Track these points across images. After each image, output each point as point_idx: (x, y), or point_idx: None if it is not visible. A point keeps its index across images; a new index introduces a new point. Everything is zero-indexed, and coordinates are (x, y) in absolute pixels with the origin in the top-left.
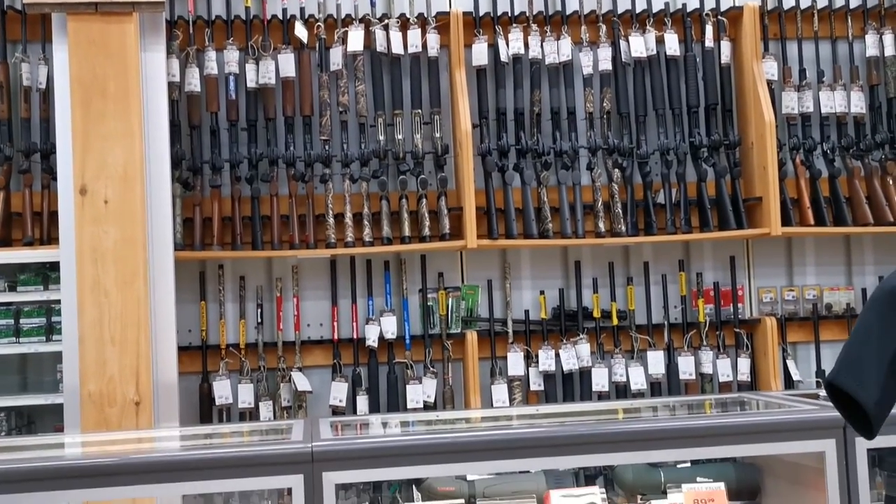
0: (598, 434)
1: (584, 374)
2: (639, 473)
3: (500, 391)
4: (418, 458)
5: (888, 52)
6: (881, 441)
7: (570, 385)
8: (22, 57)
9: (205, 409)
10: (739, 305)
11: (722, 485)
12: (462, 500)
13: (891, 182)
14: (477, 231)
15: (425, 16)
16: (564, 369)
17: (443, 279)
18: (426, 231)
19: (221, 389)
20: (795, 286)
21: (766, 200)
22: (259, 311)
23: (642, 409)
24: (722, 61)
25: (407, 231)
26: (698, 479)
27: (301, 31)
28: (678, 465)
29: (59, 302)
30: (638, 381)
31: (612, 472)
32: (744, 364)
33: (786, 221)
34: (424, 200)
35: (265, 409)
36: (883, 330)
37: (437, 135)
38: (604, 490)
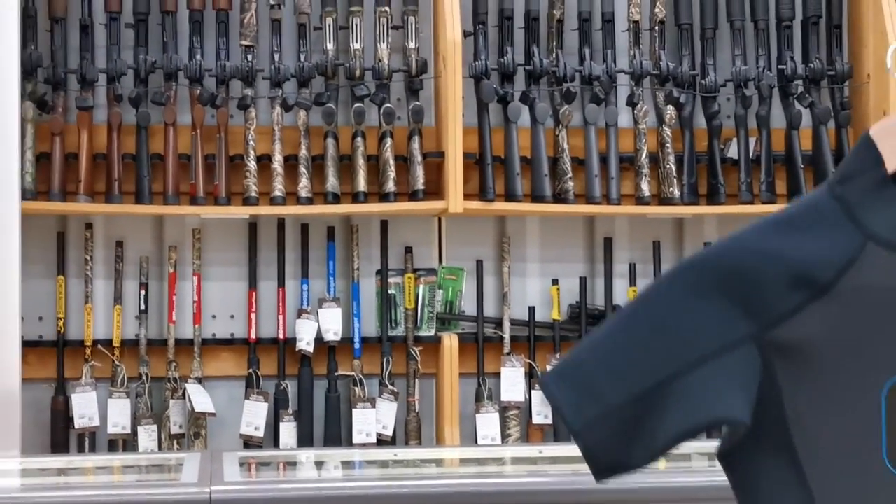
0: (627, 490)
1: None
2: None
3: (488, 422)
4: None
5: None
6: None
7: None
8: None
9: (59, 434)
10: None
11: None
12: None
13: None
14: (464, 189)
15: None
16: None
17: (412, 257)
18: (390, 186)
19: (84, 406)
20: None
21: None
22: (143, 293)
23: (693, 457)
24: None
25: (362, 185)
26: None
27: None
28: None
29: None
30: None
31: None
32: None
33: None
34: (389, 140)
35: (146, 436)
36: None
37: (412, 45)
38: None
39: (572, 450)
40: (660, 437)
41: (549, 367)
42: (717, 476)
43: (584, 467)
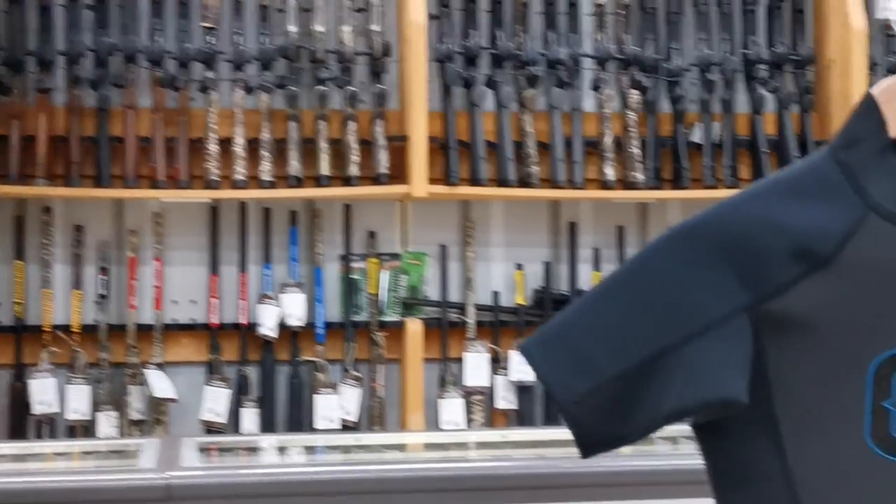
0: (590, 474)
1: None
2: None
3: (452, 408)
4: (328, 499)
5: None
6: None
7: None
8: None
9: (17, 420)
10: None
11: None
12: None
13: None
14: (428, 173)
15: None
16: None
17: (375, 242)
18: (353, 170)
19: (42, 391)
20: None
21: None
22: (103, 278)
23: (657, 441)
24: None
25: (325, 169)
26: None
27: None
28: None
29: None
30: None
31: None
32: None
33: None
34: (353, 124)
35: (106, 422)
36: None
37: (376, 28)
38: None
39: (536, 434)
40: (654, 413)
41: (514, 355)
42: (681, 460)
43: (549, 451)
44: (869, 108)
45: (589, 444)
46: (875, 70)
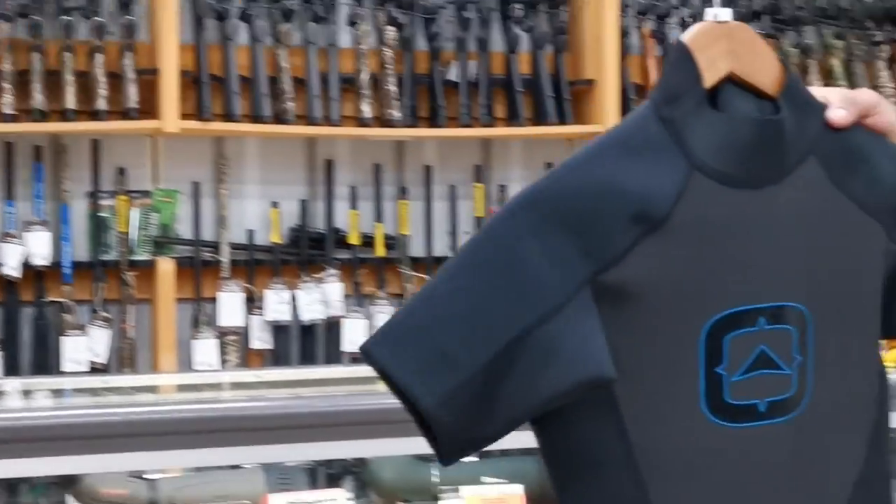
0: (346, 413)
1: (333, 326)
2: (402, 471)
3: (205, 348)
4: (73, 444)
5: None
6: None
7: (311, 342)
8: None
9: None
10: None
11: (520, 487)
12: None
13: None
14: (180, 108)
15: None
16: (304, 319)
17: (125, 178)
18: (101, 104)
19: None
20: None
21: (600, 85)
22: None
23: None
24: None
25: (71, 102)
26: (484, 478)
27: None
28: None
29: None
30: None
31: (364, 468)
32: None
33: (626, 114)
34: (100, 56)
35: None
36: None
37: None
38: (352, 494)
39: (291, 374)
40: (524, 402)
41: (269, 294)
42: None
43: (304, 391)
44: (683, 58)
45: (452, 450)
46: (626, 12)
